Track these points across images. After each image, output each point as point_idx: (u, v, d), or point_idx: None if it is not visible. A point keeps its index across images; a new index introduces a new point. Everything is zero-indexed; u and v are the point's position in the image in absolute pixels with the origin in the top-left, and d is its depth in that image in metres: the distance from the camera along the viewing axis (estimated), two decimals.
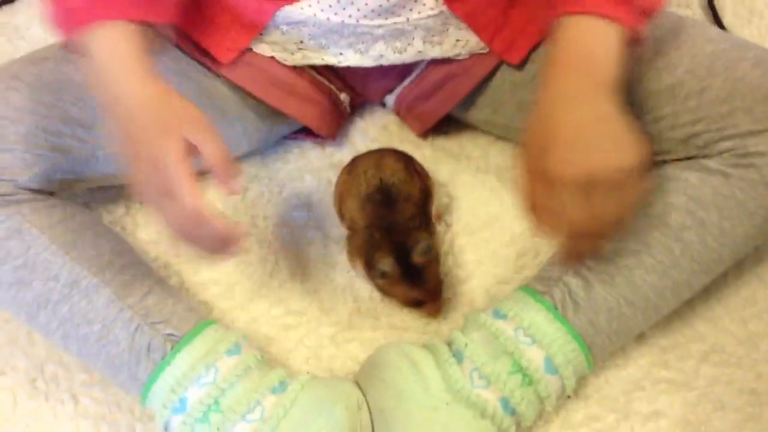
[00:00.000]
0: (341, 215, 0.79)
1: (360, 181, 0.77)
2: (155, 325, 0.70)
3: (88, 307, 0.70)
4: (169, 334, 0.70)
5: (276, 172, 0.88)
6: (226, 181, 0.63)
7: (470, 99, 0.83)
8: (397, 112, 0.88)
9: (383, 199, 0.75)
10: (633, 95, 0.73)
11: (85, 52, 0.66)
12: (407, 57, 0.78)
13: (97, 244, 0.73)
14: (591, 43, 0.65)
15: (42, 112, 0.73)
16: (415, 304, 0.76)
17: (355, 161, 0.80)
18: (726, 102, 0.70)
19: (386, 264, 0.71)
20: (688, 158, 0.73)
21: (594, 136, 0.61)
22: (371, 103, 0.91)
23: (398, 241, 0.73)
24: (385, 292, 0.76)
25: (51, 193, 0.75)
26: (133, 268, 0.74)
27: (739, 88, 0.70)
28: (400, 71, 0.83)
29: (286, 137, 0.89)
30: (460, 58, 0.79)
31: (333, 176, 0.87)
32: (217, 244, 0.63)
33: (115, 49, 0.65)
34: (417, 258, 0.72)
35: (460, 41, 0.78)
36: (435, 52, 0.78)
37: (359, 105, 0.91)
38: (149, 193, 0.63)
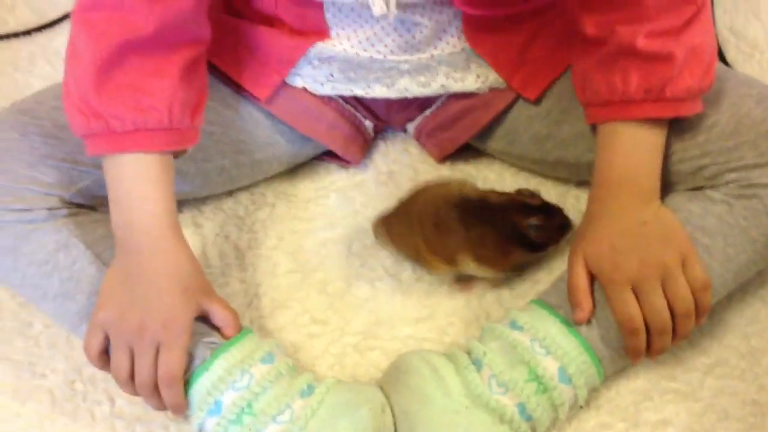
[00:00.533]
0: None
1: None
2: (196, 334, 0.73)
3: None
4: (210, 342, 0.73)
5: (303, 191, 0.93)
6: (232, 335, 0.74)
7: (488, 130, 0.87)
8: (418, 138, 0.93)
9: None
10: None
11: (108, 168, 0.72)
12: (431, 91, 0.83)
13: None
14: (637, 156, 0.73)
15: None
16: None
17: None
18: (732, 137, 0.74)
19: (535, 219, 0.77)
20: (696, 188, 0.77)
21: (639, 238, 0.71)
22: (393, 129, 0.96)
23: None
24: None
25: (93, 208, 0.80)
26: None
27: (744, 124, 0.75)
28: (422, 102, 0.88)
29: (313, 159, 0.94)
30: (480, 92, 0.84)
31: (357, 195, 0.92)
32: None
33: (145, 188, 0.72)
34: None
35: (480, 77, 0.83)
36: (457, 87, 0.83)
37: (382, 130, 0.96)
38: (120, 358, 0.70)
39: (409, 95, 0.83)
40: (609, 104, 0.74)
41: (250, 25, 0.81)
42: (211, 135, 0.82)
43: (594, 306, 0.73)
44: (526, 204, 0.78)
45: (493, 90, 0.84)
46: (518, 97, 0.84)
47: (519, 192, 0.81)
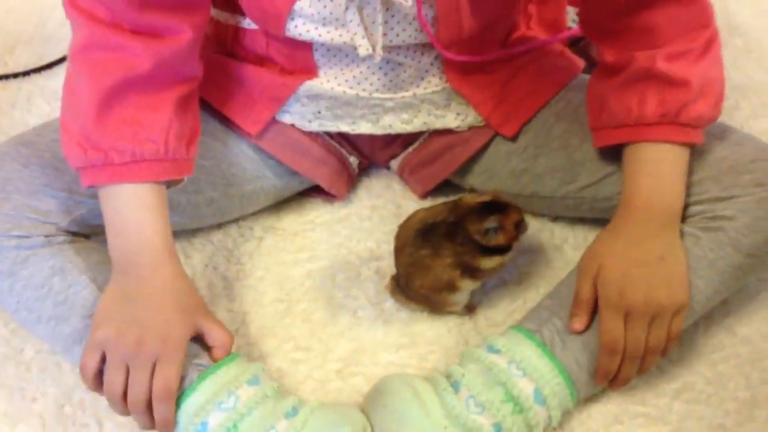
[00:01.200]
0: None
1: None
2: (186, 357, 0.76)
3: None
4: (198, 364, 0.76)
5: (289, 224, 0.97)
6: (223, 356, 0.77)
7: (467, 167, 0.92)
8: (401, 174, 0.98)
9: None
10: (614, 165, 0.83)
11: (105, 197, 0.76)
12: (413, 127, 0.88)
13: None
14: (661, 176, 0.77)
15: None
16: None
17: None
18: (696, 172, 0.80)
19: (492, 221, 0.77)
20: None
21: (651, 276, 0.74)
22: (377, 166, 1.01)
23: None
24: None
25: (87, 236, 0.84)
26: None
27: (707, 161, 0.80)
28: (405, 139, 0.93)
29: (299, 194, 0.98)
30: (459, 130, 0.89)
31: (341, 229, 0.96)
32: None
33: (143, 215, 0.75)
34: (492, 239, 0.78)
35: (460, 115, 0.88)
36: (438, 124, 0.88)
37: (367, 167, 1.01)
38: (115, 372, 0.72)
39: (392, 132, 0.88)
40: (623, 126, 0.78)
41: (241, 64, 0.86)
42: (202, 168, 0.86)
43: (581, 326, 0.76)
44: (477, 208, 0.78)
45: (472, 128, 0.89)
46: (496, 134, 0.89)
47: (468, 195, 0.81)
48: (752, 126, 1.06)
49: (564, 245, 0.94)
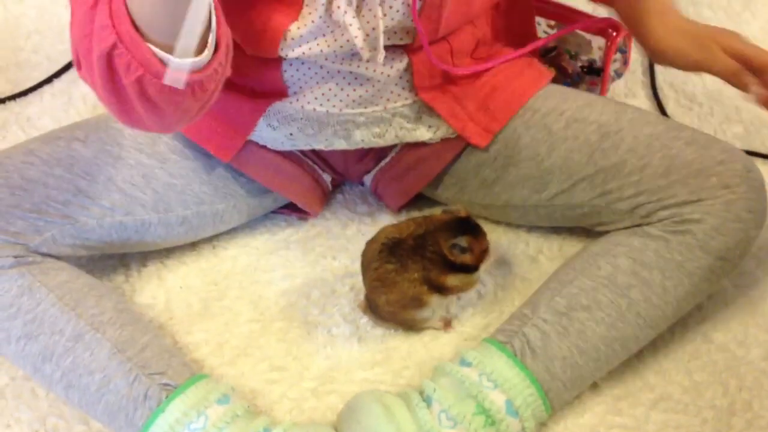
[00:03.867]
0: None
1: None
2: (152, 376, 0.77)
3: (90, 358, 0.77)
4: (165, 384, 0.77)
5: (263, 243, 0.98)
6: None
7: (438, 179, 0.94)
8: (374, 190, 0.99)
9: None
10: (584, 172, 0.84)
11: None
12: (385, 141, 0.89)
13: (100, 303, 0.81)
14: None
15: (53, 184, 0.83)
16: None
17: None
18: (664, 176, 0.81)
19: (462, 240, 0.79)
20: (634, 226, 0.83)
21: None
22: (351, 182, 1.02)
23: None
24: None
25: (58, 258, 0.85)
26: (132, 326, 0.81)
27: (675, 164, 0.81)
28: (376, 154, 0.94)
29: (274, 212, 0.99)
30: (432, 142, 0.90)
31: (315, 246, 0.97)
32: None
33: None
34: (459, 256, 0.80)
35: (432, 127, 0.89)
36: (410, 137, 0.89)
37: (340, 184, 1.02)
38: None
39: (365, 146, 0.89)
40: None
41: None
42: (173, 187, 0.87)
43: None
44: (450, 223, 0.80)
45: (444, 140, 0.90)
46: (467, 145, 0.90)
47: (443, 212, 0.83)
48: (726, 131, 1.07)
49: (539, 256, 0.95)
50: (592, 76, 1.03)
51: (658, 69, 1.15)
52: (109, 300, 0.83)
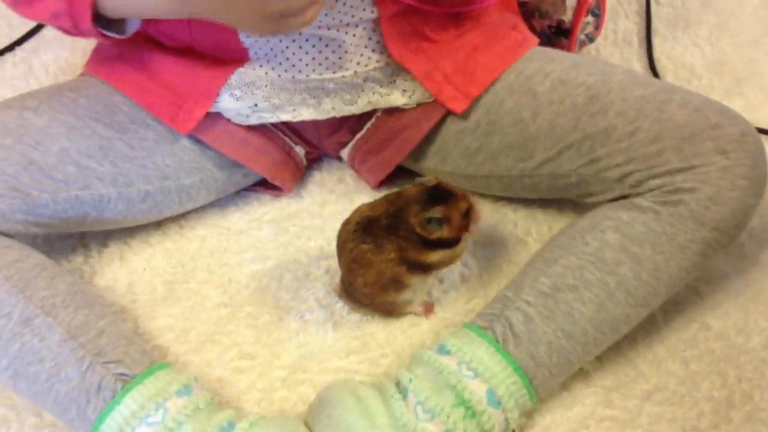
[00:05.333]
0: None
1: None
2: (107, 365, 0.72)
3: (39, 345, 0.73)
4: (121, 374, 0.72)
5: (234, 222, 0.93)
6: None
7: (419, 150, 0.89)
8: (352, 164, 0.94)
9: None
10: (570, 138, 0.79)
11: None
12: (357, 108, 0.84)
13: (52, 285, 0.77)
14: None
15: (1, 155, 0.78)
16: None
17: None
18: (655, 142, 0.76)
19: (436, 212, 0.72)
20: (623, 197, 0.78)
21: None
22: (328, 157, 0.97)
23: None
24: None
25: (8, 235, 0.79)
26: (87, 309, 0.77)
27: (667, 128, 0.76)
28: (352, 125, 0.89)
29: (245, 189, 0.94)
30: (408, 107, 0.85)
31: (289, 226, 0.92)
32: None
33: None
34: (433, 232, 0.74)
35: (407, 91, 0.84)
36: (384, 103, 0.84)
37: (316, 159, 0.96)
38: None
39: (336, 115, 0.84)
40: None
41: (164, 57, 0.83)
42: (134, 159, 0.82)
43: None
44: (419, 196, 0.74)
45: (421, 107, 0.85)
46: (447, 113, 0.85)
47: (415, 184, 0.77)
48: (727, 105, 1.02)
49: (527, 238, 0.90)
50: (560, 38, 0.98)
51: (656, 40, 1.09)
52: (63, 281, 0.78)
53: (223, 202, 0.94)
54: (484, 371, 0.71)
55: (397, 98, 0.84)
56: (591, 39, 0.99)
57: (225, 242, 0.91)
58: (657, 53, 1.09)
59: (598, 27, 0.99)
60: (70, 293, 0.77)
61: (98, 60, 0.88)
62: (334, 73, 0.80)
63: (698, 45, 1.09)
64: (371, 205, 0.77)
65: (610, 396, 0.78)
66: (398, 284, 0.77)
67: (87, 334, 0.74)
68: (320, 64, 0.79)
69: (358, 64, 0.80)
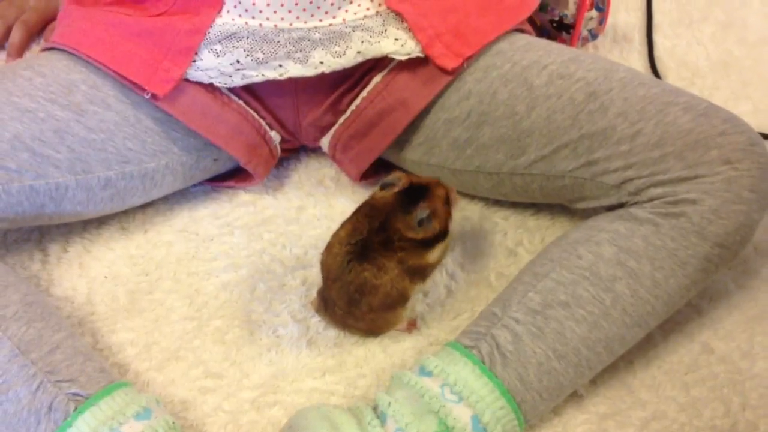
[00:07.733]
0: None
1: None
2: (60, 384, 0.68)
3: None
4: (74, 394, 0.68)
5: (205, 227, 0.89)
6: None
7: (405, 138, 0.85)
8: (333, 155, 0.90)
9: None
10: (567, 137, 0.76)
11: None
12: (347, 60, 0.81)
13: (4, 295, 0.73)
14: None
15: None
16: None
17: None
18: (657, 147, 0.73)
19: (422, 210, 0.70)
20: (620, 205, 0.76)
21: None
22: (306, 156, 0.93)
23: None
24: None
25: None
26: (41, 322, 0.73)
27: (670, 133, 0.73)
28: (332, 105, 0.86)
29: (215, 188, 0.90)
30: (397, 56, 0.81)
31: (264, 232, 0.88)
32: None
33: None
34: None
35: (399, 40, 0.80)
36: (373, 51, 0.81)
37: (292, 151, 0.93)
38: None
39: (326, 69, 0.80)
40: None
41: (137, 20, 0.79)
42: (92, 143, 0.78)
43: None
44: (397, 201, 0.72)
45: (409, 87, 0.81)
46: (436, 99, 0.82)
47: (381, 188, 0.74)
48: (732, 108, 0.96)
49: (518, 249, 0.87)
50: (562, 33, 0.94)
51: (657, 37, 1.06)
52: (17, 291, 0.74)
53: (192, 204, 0.90)
54: (469, 395, 0.68)
55: (389, 45, 0.80)
56: (594, 35, 0.96)
57: (193, 249, 0.87)
58: (658, 51, 1.06)
59: (602, 22, 0.96)
60: (24, 304, 0.73)
61: (64, 28, 0.83)
62: (320, 21, 0.77)
63: (702, 43, 1.05)
64: (349, 227, 0.73)
65: (604, 424, 0.75)
66: (404, 298, 0.75)
67: (39, 349, 0.70)
68: (304, 10, 0.76)
69: (346, 11, 0.78)
